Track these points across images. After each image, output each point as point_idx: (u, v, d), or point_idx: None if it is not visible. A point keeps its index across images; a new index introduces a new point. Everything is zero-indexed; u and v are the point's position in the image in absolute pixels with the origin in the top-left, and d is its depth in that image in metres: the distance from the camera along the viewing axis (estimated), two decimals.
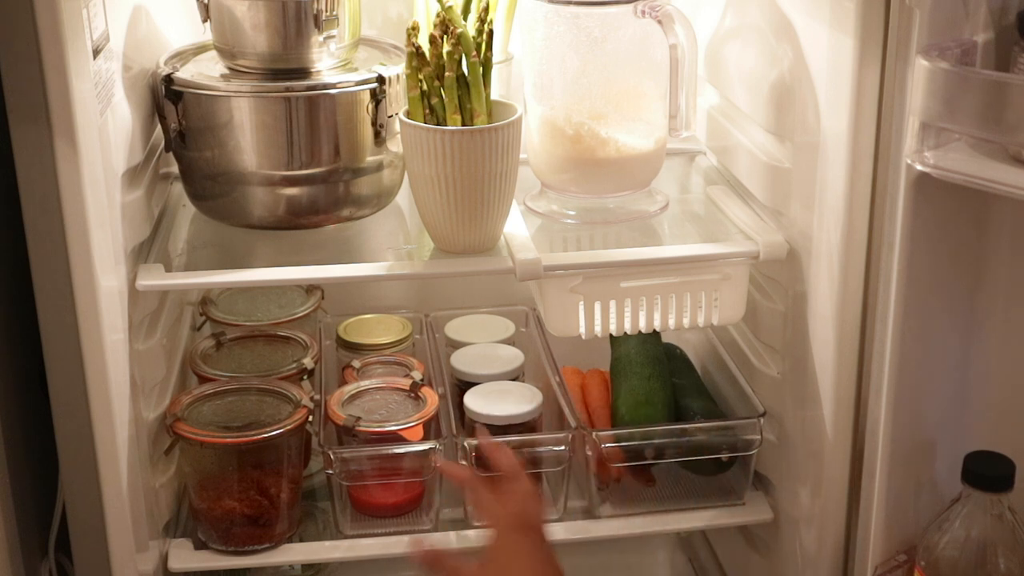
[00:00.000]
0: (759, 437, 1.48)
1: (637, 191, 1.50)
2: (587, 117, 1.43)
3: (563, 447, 1.48)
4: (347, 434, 1.46)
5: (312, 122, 1.38)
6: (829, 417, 1.35)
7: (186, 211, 1.53)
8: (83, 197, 1.17)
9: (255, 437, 1.38)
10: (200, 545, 1.46)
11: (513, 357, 1.62)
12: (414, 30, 1.33)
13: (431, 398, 1.50)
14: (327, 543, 1.47)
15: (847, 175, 1.26)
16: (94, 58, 1.18)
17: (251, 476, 1.41)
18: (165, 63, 1.43)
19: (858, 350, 1.32)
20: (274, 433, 1.39)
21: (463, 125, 1.33)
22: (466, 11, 1.35)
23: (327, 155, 1.40)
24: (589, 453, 1.47)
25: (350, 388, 1.52)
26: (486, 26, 1.32)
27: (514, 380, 1.58)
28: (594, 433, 1.47)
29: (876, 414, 1.26)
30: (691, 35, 1.36)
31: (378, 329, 1.67)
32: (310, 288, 1.67)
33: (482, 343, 1.65)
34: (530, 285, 1.47)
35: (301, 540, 1.49)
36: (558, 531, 1.48)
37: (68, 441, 1.26)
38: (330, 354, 1.67)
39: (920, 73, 1.09)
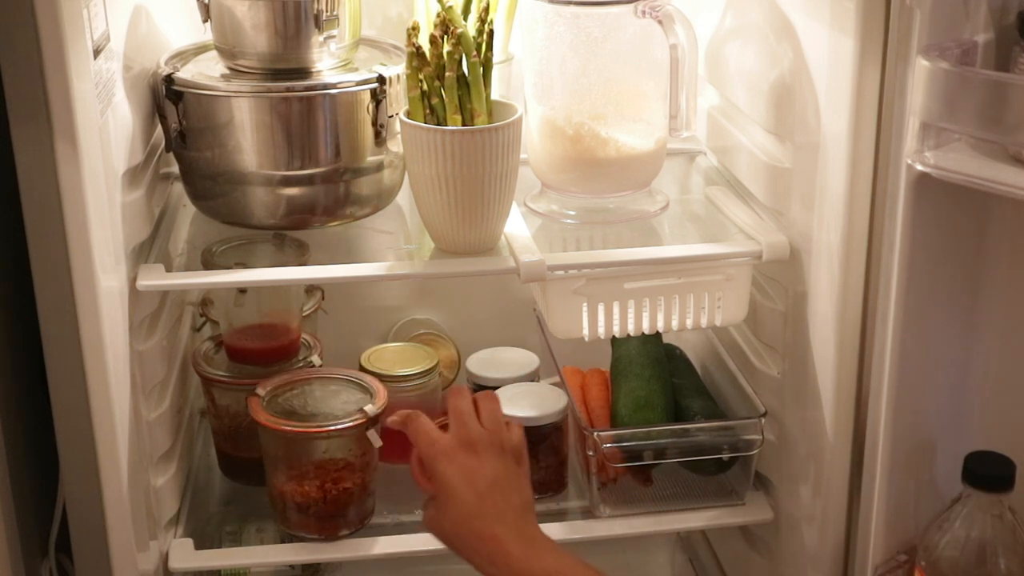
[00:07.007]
0: (760, 437, 1.48)
1: (637, 191, 1.50)
2: (587, 117, 1.43)
3: None
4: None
5: (312, 122, 1.38)
6: (829, 417, 1.35)
7: (186, 211, 1.53)
8: (83, 197, 1.17)
9: (325, 428, 1.41)
10: (200, 545, 1.46)
11: (529, 361, 1.63)
12: (414, 30, 1.33)
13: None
14: (327, 543, 1.46)
15: (847, 175, 1.25)
16: (94, 58, 1.17)
17: (326, 464, 1.42)
18: (165, 63, 1.43)
19: (858, 350, 1.32)
20: (346, 425, 1.41)
21: (463, 125, 1.33)
22: (466, 11, 1.35)
23: (327, 155, 1.40)
24: (590, 453, 1.47)
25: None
26: (486, 26, 1.32)
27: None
28: (596, 433, 1.47)
29: (876, 414, 1.26)
30: (691, 35, 1.36)
31: (402, 359, 1.61)
32: (310, 288, 1.66)
33: (498, 347, 1.65)
34: (532, 286, 1.46)
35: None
36: (558, 531, 1.48)
37: (68, 441, 1.26)
38: None
39: (920, 73, 1.09)
